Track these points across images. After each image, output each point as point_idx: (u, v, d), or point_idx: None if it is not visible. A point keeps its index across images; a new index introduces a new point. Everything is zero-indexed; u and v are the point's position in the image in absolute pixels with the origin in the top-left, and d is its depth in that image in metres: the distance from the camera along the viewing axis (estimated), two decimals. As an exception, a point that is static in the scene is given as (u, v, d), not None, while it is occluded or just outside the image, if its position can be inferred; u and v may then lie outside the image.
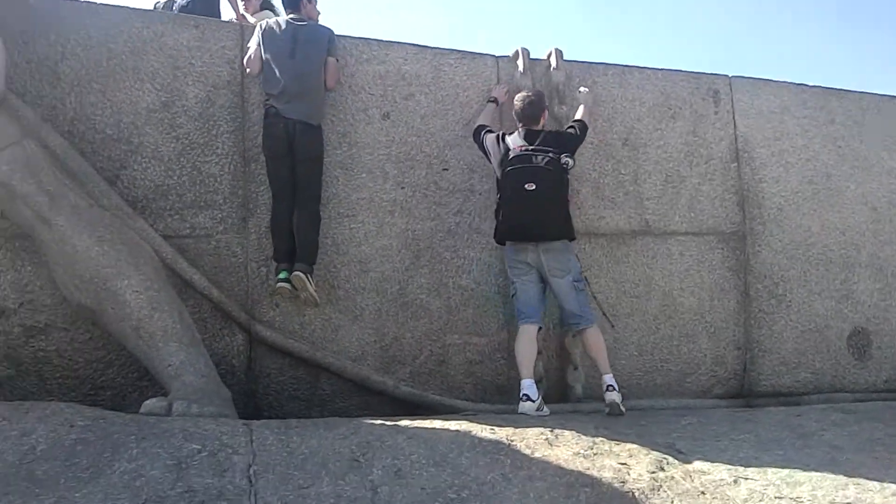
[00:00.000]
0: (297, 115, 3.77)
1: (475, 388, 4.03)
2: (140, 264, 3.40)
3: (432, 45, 4.23)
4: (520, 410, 3.57)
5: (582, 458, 2.57)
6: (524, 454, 2.61)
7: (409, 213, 4.02)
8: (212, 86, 3.85)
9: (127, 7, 3.99)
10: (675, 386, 4.21)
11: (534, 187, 3.66)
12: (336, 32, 3.98)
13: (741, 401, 4.24)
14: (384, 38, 4.20)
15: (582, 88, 4.20)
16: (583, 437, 2.79)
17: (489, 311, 4.05)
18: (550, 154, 3.73)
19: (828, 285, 4.48)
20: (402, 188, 4.03)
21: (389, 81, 4.12)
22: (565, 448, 2.64)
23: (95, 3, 3.80)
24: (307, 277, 3.69)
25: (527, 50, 4.30)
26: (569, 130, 3.97)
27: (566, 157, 3.76)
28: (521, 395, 3.61)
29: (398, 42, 4.20)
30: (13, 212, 3.35)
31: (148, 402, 3.09)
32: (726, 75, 4.58)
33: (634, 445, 2.77)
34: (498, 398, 4.01)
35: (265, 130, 3.82)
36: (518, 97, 3.94)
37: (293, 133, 3.75)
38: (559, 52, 4.31)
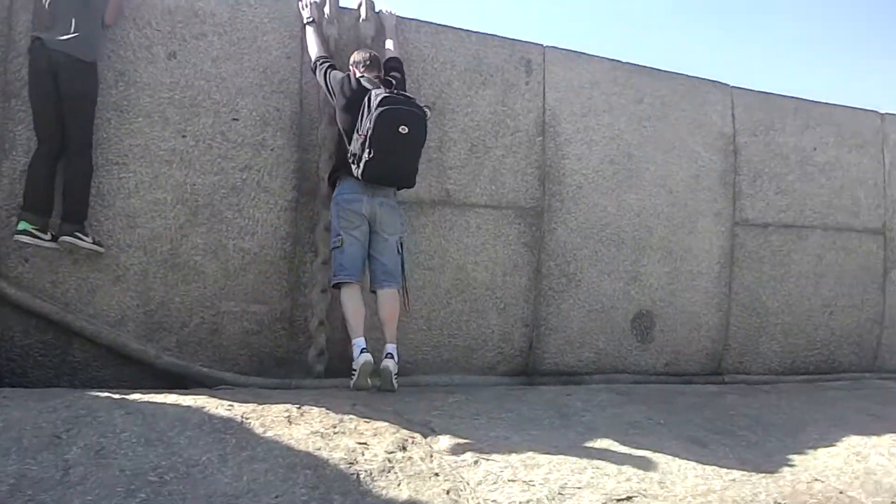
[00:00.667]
0: (65, 49, 3.79)
1: (251, 359, 4.35)
2: None
3: (232, -18, 4.35)
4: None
5: (318, 438, 2.89)
6: (255, 433, 2.88)
7: (189, 164, 4.20)
8: None
9: None
10: (461, 362, 4.82)
11: (407, 130, 4.07)
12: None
13: (524, 378, 4.95)
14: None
15: (385, 10, 4.63)
16: (331, 413, 3.18)
17: (272, 278, 4.36)
18: (413, 100, 4.21)
19: (617, 266, 5.28)
20: (184, 136, 4.18)
21: (179, 17, 4.22)
22: (305, 426, 2.99)
23: None
24: (79, 238, 3.86)
25: (335, -6, 4.57)
26: (396, 75, 4.41)
27: (424, 105, 4.28)
28: (360, 353, 4.00)
29: (192, -27, 4.27)
30: None
31: None
32: (541, 45, 5.11)
33: (385, 423, 3.19)
34: (275, 371, 4.38)
35: (29, 65, 3.83)
36: (359, 50, 4.39)
37: (58, 68, 3.78)
38: (370, 3, 4.62)
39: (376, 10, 4.65)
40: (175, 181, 4.16)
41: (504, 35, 4.96)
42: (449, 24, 4.85)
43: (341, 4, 4.58)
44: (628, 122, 5.36)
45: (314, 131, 4.45)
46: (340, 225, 4.18)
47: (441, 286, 4.77)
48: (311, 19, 4.42)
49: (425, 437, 3.23)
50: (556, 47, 5.15)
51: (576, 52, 5.22)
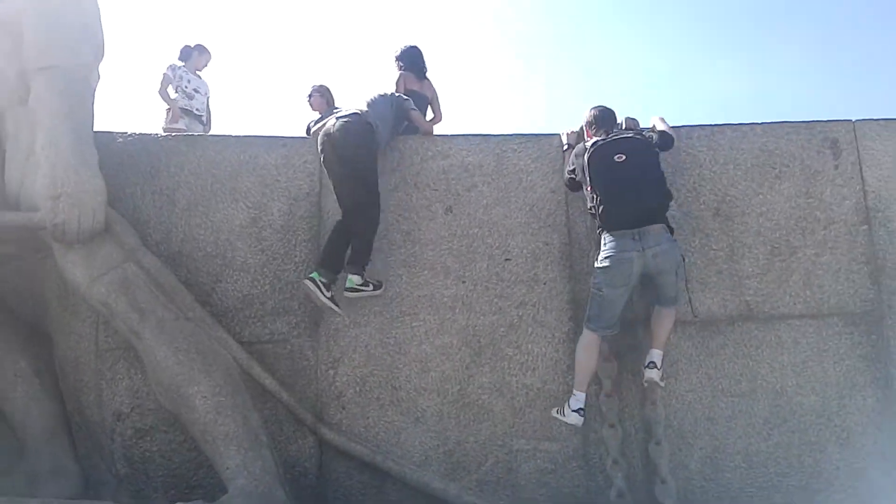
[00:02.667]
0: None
1: (551, 500, 4.27)
2: (212, 371, 4.30)
3: (496, 133, 4.77)
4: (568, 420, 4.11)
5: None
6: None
7: (469, 308, 4.50)
8: (293, 198, 4.72)
9: (229, 135, 5.04)
10: (799, 505, 4.02)
11: (624, 157, 4.07)
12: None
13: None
14: (448, 133, 4.88)
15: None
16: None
17: (559, 414, 4.29)
18: (632, 132, 4.26)
19: None
20: (464, 282, 4.53)
21: (453, 175, 4.72)
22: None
23: (206, 136, 4.93)
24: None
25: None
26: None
27: (648, 131, 4.30)
28: (573, 408, 4.07)
29: (462, 134, 4.82)
30: (116, 326, 4.51)
31: (183, 504, 3.86)
32: (849, 120, 4.48)
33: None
34: (577, 513, 4.21)
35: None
36: (591, 108, 4.49)
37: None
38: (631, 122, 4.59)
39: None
40: (459, 325, 4.47)
41: (796, 120, 4.46)
42: (726, 123, 4.55)
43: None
44: None
45: (584, 260, 4.44)
46: (605, 281, 4.08)
47: (756, 415, 4.17)
48: (568, 146, 4.55)
49: None
50: (869, 119, 4.46)
51: (897, 119, 4.43)
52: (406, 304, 4.56)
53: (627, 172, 4.03)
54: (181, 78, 7.46)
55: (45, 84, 4.38)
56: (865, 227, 4.32)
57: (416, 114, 5.01)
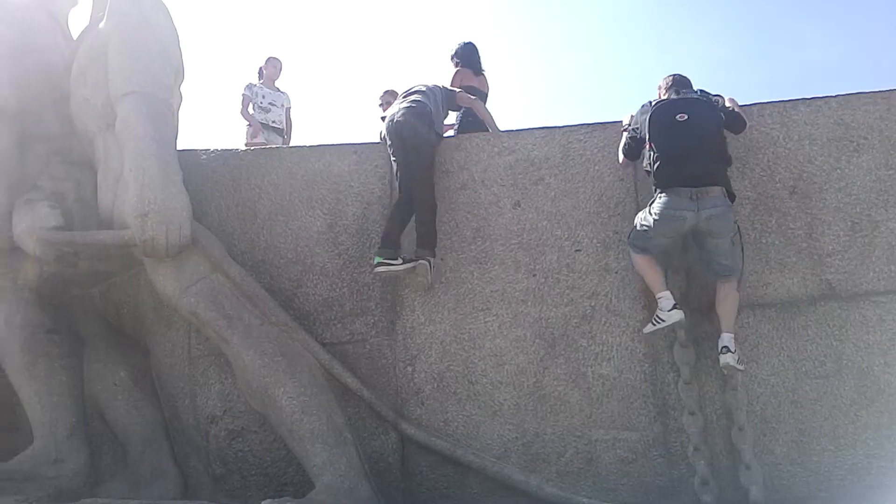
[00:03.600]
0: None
1: (633, 490, 4.29)
2: (296, 373, 4.52)
3: (561, 125, 4.83)
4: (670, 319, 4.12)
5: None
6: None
7: (541, 300, 4.57)
8: (366, 203, 4.92)
9: (304, 146, 5.31)
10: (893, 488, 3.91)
11: (686, 117, 4.13)
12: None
13: None
14: (514, 128, 4.98)
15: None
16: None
17: (636, 403, 4.33)
18: (700, 94, 4.31)
19: None
20: (534, 275, 4.60)
21: (519, 170, 4.80)
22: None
23: (283, 148, 5.19)
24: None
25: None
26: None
27: (717, 97, 4.32)
28: (667, 309, 4.11)
29: (527, 129, 4.90)
30: (206, 334, 4.82)
31: (266, 501, 3.97)
32: None
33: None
34: (661, 502, 4.23)
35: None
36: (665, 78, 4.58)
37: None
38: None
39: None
40: (531, 318, 4.54)
41: (872, 90, 4.33)
42: (799, 98, 4.46)
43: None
44: None
45: None
46: (659, 229, 4.17)
47: (843, 396, 4.08)
48: (626, 126, 4.55)
49: None
50: None
51: None
52: (479, 299, 4.67)
53: (688, 131, 4.09)
54: (257, 94, 7.87)
55: (129, 109, 4.71)
56: (954, 195, 4.15)
57: (471, 99, 5.39)
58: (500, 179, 4.81)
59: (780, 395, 4.10)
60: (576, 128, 4.82)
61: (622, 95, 17.90)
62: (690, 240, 4.24)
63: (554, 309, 4.54)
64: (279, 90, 8.10)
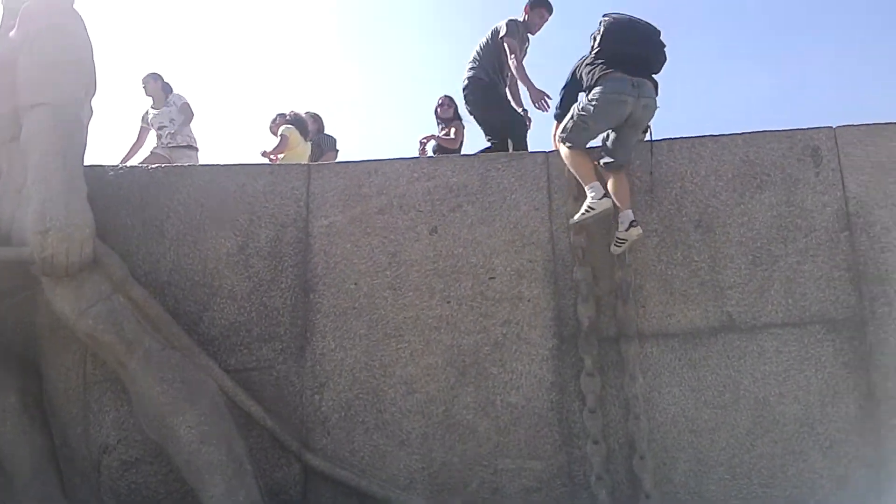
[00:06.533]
0: None
1: (536, 518, 4.47)
2: (197, 400, 4.54)
3: (480, 154, 5.14)
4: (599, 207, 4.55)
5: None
6: None
7: (454, 327, 4.72)
8: (280, 224, 4.99)
9: (217, 165, 5.36)
10: (787, 517, 4.21)
11: (639, 22, 4.79)
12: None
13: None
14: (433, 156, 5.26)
15: None
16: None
17: (543, 431, 4.50)
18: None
19: None
20: (448, 302, 4.78)
21: (437, 196, 4.96)
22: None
23: (195, 166, 5.32)
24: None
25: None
26: None
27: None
28: (596, 197, 4.56)
29: (446, 156, 5.20)
30: (104, 357, 4.88)
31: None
32: (829, 127, 4.67)
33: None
34: (563, 531, 4.43)
35: None
36: None
37: None
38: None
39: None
40: (444, 345, 4.70)
41: (776, 129, 4.69)
42: (708, 134, 4.79)
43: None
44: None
45: (568, 276, 4.67)
46: (602, 113, 4.69)
47: (739, 426, 4.35)
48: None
49: None
50: (850, 125, 4.65)
51: (879, 125, 4.64)
52: (391, 325, 4.80)
53: (638, 27, 4.76)
54: (152, 124, 8.23)
55: (36, 121, 4.66)
56: (847, 233, 4.48)
57: (509, 41, 6.44)
58: (418, 205, 4.97)
59: (680, 425, 4.34)
60: (494, 157, 5.08)
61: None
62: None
63: (466, 336, 4.71)
64: (167, 102, 8.27)
